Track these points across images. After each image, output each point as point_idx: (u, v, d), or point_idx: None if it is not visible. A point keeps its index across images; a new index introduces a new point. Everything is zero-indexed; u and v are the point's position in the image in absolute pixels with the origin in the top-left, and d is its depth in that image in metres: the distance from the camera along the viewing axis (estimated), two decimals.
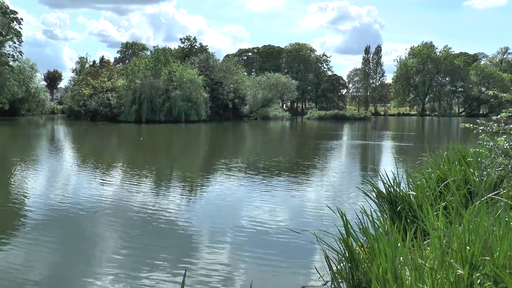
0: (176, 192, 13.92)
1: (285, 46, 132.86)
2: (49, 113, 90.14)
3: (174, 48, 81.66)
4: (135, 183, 15.25)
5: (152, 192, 13.82)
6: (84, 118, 67.42)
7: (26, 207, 11.91)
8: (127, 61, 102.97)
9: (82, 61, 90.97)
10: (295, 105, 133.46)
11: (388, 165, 17.82)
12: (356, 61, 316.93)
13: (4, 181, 16.28)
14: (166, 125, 55.81)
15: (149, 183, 15.63)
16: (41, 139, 37.24)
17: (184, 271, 6.01)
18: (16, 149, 28.40)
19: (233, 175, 16.86)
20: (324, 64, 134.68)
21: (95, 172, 18.42)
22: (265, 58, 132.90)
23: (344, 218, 6.04)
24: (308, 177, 17.11)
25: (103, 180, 16.37)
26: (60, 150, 28.37)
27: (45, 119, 76.30)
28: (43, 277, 7.12)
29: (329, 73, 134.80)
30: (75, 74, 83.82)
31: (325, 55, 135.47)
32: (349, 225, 5.88)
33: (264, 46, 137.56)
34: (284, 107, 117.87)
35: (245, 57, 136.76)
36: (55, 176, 17.56)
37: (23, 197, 13.38)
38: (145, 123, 58.16)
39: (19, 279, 6.92)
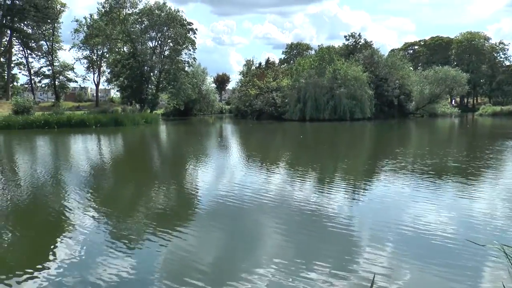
0: (337, 190, 13.43)
1: (455, 36, 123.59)
2: (218, 113, 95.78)
3: (338, 46, 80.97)
4: (298, 180, 15.36)
5: (314, 190, 13.65)
6: (250, 117, 70.59)
7: (197, 198, 12.75)
8: (291, 61, 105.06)
9: (248, 63, 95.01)
10: (465, 100, 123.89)
11: None
12: None
13: (178, 174, 17.89)
14: (330, 123, 55.66)
15: (311, 180, 15.52)
16: (211, 136, 39.55)
17: (373, 276, 5.67)
18: (189, 145, 30.41)
19: (397, 176, 15.88)
20: (501, 53, 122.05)
21: (260, 167, 19.02)
22: (433, 51, 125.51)
23: None
24: (480, 182, 15.19)
25: (267, 175, 16.70)
26: (227, 146, 29.77)
27: (214, 118, 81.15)
28: (210, 265, 7.40)
29: (507, 63, 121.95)
30: (242, 76, 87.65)
31: (502, 43, 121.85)
32: None
33: (432, 38, 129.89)
34: (453, 103, 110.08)
35: (411, 51, 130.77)
36: (223, 170, 18.42)
37: (195, 189, 14.37)
38: (309, 122, 58.71)
39: (189, 265, 7.37)
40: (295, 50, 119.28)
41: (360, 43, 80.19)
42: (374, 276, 5.45)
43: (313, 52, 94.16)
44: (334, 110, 61.47)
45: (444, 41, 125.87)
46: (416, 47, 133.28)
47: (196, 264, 7.39)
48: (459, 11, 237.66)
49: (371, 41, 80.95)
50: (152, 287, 6.63)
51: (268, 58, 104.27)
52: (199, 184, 15.29)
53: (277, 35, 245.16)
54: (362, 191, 13.50)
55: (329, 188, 13.73)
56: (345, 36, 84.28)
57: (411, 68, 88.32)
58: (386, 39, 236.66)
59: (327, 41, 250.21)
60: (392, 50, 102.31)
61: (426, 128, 50.41)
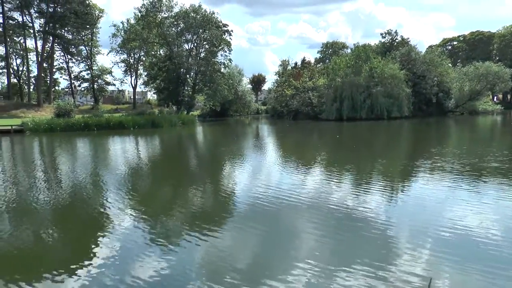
0: (374, 191, 13.20)
1: (497, 31, 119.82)
2: (254, 114, 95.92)
3: (374, 43, 79.81)
4: (334, 181, 15.26)
5: (351, 191, 13.46)
6: (286, 117, 70.44)
7: (233, 199, 12.77)
8: (327, 60, 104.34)
9: (284, 63, 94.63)
10: (508, 97, 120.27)
11: None
12: None
13: (215, 174, 18.01)
14: (367, 122, 54.96)
15: (347, 181, 15.37)
16: (247, 136, 39.54)
17: (429, 280, 5.57)
18: (225, 145, 30.52)
19: (436, 177, 15.52)
20: None
21: (295, 168, 18.96)
22: (473, 46, 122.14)
23: None
24: None
25: (303, 176, 16.65)
26: (263, 147, 29.71)
27: (251, 119, 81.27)
28: (246, 265, 7.46)
29: None
30: (278, 77, 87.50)
31: None
32: None
33: (471, 32, 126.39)
34: (495, 99, 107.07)
35: (450, 47, 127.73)
36: (259, 170, 18.40)
37: (231, 189, 14.42)
38: (346, 121, 58.12)
39: (225, 264, 7.44)
40: (331, 49, 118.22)
41: (397, 40, 78.65)
42: (430, 280, 5.28)
43: (348, 50, 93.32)
44: (371, 109, 60.63)
45: (485, 35, 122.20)
46: (455, 42, 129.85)
47: (232, 264, 7.45)
48: (500, 3, 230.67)
49: (408, 38, 78.94)
50: (189, 286, 6.73)
51: (304, 57, 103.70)
52: (235, 184, 15.36)
53: (312, 35, 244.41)
54: (400, 192, 13.23)
55: (365, 189, 13.51)
56: (381, 34, 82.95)
57: (450, 64, 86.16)
58: (424, 35, 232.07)
59: (362, 39, 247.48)
60: (430, 47, 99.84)
61: (466, 126, 49.08)
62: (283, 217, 10.57)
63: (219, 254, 8.02)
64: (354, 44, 79.03)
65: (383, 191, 13.10)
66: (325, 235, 8.95)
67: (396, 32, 79.35)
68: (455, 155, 21.66)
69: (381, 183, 14.49)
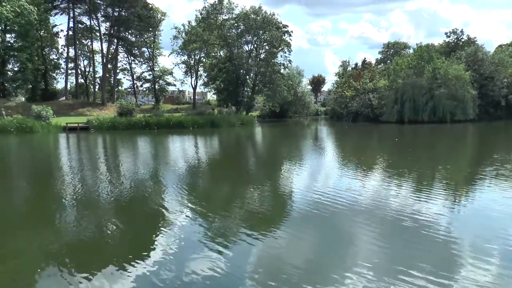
0: (435, 197, 12.52)
1: None
2: (313, 115, 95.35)
3: (438, 43, 77.18)
4: (394, 185, 14.82)
5: (410, 195, 12.82)
6: (346, 119, 69.53)
7: (290, 200, 12.67)
8: (388, 61, 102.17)
9: (344, 64, 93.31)
10: None
11: None
12: None
13: (272, 175, 17.95)
14: (429, 125, 53.05)
15: (407, 185, 14.80)
16: (305, 138, 39.26)
17: None
18: (283, 146, 30.41)
19: (503, 184, 14.65)
20: None
21: (354, 170, 18.61)
22: None
23: None
24: None
25: (362, 179, 16.34)
26: (321, 148, 29.36)
27: (310, 120, 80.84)
28: (301, 266, 7.28)
29: None
30: (338, 77, 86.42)
31: None
32: None
33: None
34: None
35: None
36: (316, 172, 18.19)
37: (288, 190, 14.29)
38: (407, 124, 56.43)
39: (281, 265, 7.33)
40: (392, 50, 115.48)
41: (462, 40, 75.76)
42: None
43: (411, 51, 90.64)
44: (434, 111, 58.45)
45: None
46: None
47: (286, 266, 7.29)
48: None
49: (475, 37, 75.69)
50: (243, 285, 6.65)
51: (365, 58, 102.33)
52: (293, 185, 15.19)
53: (373, 34, 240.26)
54: (464, 198, 12.52)
55: (426, 194, 12.86)
56: (445, 33, 79.72)
57: None
58: (492, 34, 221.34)
59: (425, 39, 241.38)
60: (500, 46, 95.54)
61: None
62: (339, 221, 10.26)
63: (274, 256, 7.91)
64: (416, 44, 76.59)
65: (445, 198, 12.38)
66: (383, 241, 8.56)
67: (462, 31, 76.27)
68: None
69: (442, 190, 13.77)
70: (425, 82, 59.36)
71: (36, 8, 63.31)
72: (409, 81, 60.04)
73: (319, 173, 17.91)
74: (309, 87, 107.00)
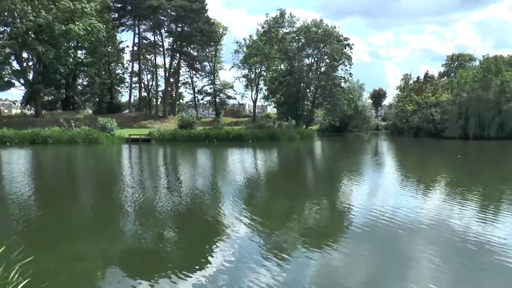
0: (501, 219, 11.94)
1: None
2: (373, 129, 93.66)
3: (508, 55, 74.10)
4: (456, 204, 14.19)
5: (474, 216, 12.21)
6: (407, 134, 67.94)
7: (348, 216, 12.52)
8: (452, 74, 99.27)
9: (406, 77, 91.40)
10: None
11: None
12: None
13: (330, 190, 17.86)
14: (496, 141, 50.81)
15: (471, 205, 13.93)
16: (365, 153, 38.56)
17: None
18: (342, 161, 30.00)
19: None
20: None
21: (414, 188, 18.13)
22: None
23: None
24: None
25: (422, 197, 15.87)
26: (382, 164, 28.82)
27: (370, 134, 79.47)
28: (357, 284, 7.24)
29: None
30: (399, 91, 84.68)
31: None
32: None
33: None
34: None
35: None
36: (375, 189, 17.90)
37: (346, 206, 14.09)
38: (472, 139, 54.36)
39: (336, 282, 7.30)
40: (456, 62, 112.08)
41: None
42: None
43: (476, 63, 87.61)
44: (501, 127, 56.00)
45: None
46: None
47: (343, 283, 7.22)
48: None
49: None
50: None
51: (427, 71, 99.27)
52: (350, 201, 14.96)
53: (436, 46, 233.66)
54: None
55: (491, 216, 12.23)
56: None
57: None
58: None
59: (493, 50, 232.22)
60: None
61: None
62: (399, 239, 10.00)
63: (331, 272, 7.84)
64: (483, 55, 73.64)
65: None
66: (444, 261, 8.22)
67: None
68: None
69: (510, 211, 13.13)
70: (492, 96, 57.01)
71: (104, 26, 66.43)
72: (474, 95, 57.89)
73: (378, 190, 17.62)
74: (370, 101, 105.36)
